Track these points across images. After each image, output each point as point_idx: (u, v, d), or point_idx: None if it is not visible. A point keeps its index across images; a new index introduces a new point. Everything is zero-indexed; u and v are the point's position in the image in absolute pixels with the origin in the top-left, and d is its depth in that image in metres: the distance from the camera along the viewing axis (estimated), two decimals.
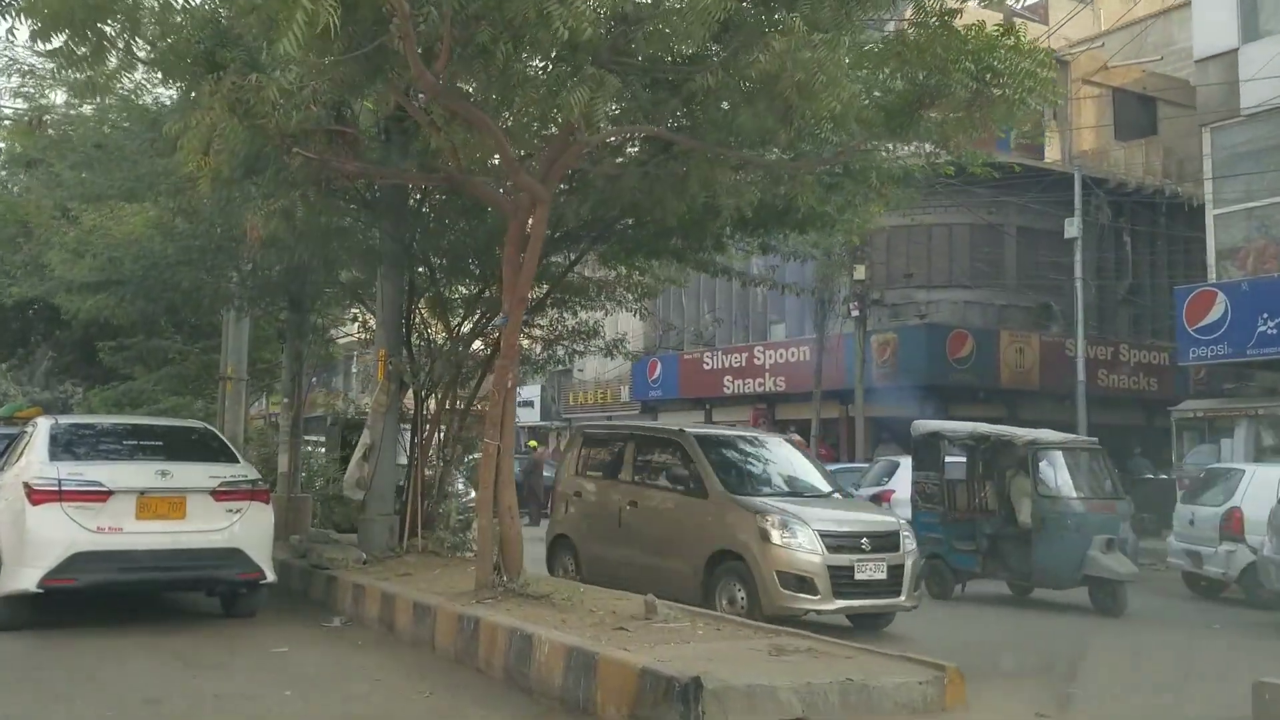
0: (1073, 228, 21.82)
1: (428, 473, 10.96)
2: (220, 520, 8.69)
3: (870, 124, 6.80)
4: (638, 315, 12.39)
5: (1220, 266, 19.89)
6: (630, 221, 9.47)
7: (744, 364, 30.08)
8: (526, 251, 7.45)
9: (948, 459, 13.78)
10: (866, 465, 19.67)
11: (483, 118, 6.70)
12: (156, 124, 9.48)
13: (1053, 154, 28.96)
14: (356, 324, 13.95)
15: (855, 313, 23.82)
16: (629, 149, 8.24)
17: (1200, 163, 30.20)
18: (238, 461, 9.39)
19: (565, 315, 11.93)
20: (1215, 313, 19.16)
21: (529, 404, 37.86)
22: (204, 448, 9.50)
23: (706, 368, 31.17)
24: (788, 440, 12.76)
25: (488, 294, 11.01)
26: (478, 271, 10.65)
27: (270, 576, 8.94)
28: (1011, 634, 10.92)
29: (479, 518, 7.94)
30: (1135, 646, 10.13)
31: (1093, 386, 27.54)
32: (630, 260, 10.62)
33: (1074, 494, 12.40)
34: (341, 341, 17.20)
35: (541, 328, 11.90)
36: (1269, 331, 18.24)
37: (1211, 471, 14.82)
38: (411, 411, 11.23)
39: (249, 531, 8.81)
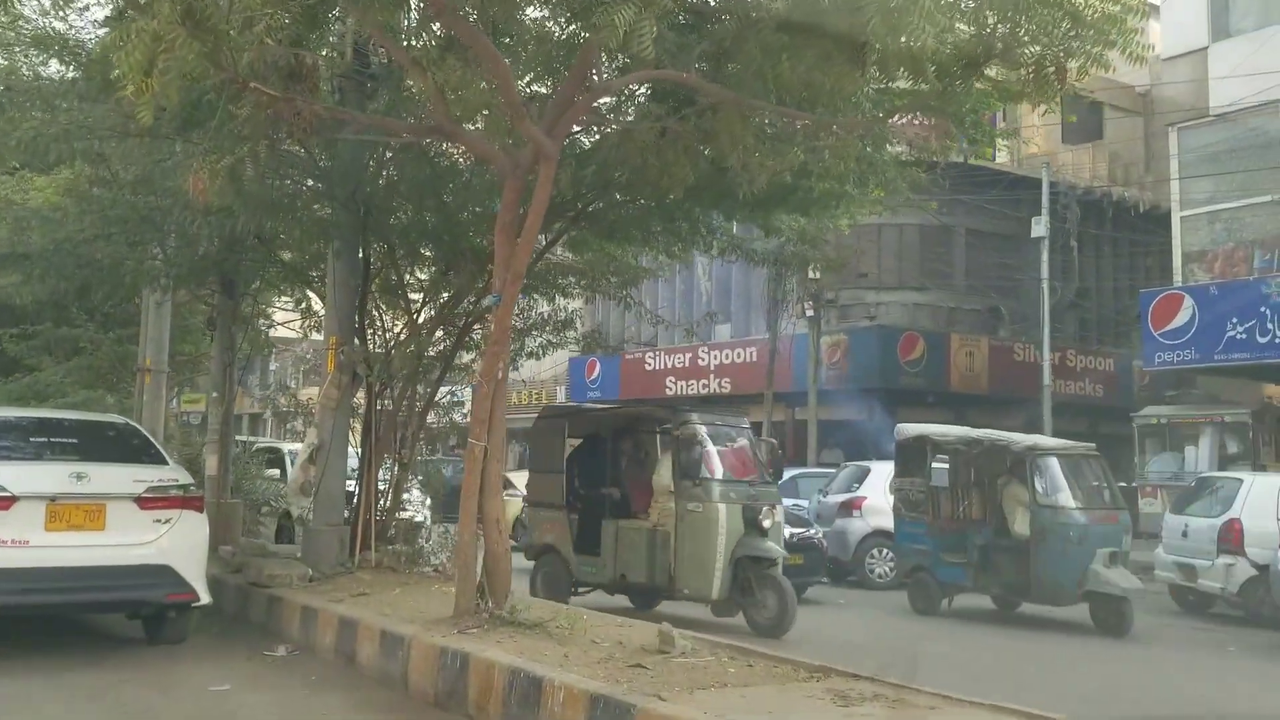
0: (1039, 227, 21.29)
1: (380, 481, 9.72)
2: (146, 532, 7.38)
3: (947, 69, 5.79)
4: (621, 304, 11.26)
5: (1187, 270, 19.49)
6: (620, 196, 8.33)
7: (688, 365, 29.17)
8: (527, 218, 6.30)
9: (934, 465, 12.94)
10: (827, 471, 18.82)
11: (489, 46, 5.58)
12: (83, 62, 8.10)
13: (1001, 157, 28.62)
14: (298, 307, 12.52)
15: (810, 312, 22.99)
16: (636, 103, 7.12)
17: (1145, 166, 30.35)
18: (166, 463, 8.05)
19: (537, 302, 10.74)
20: (1182, 317, 18.75)
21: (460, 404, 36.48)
22: (127, 447, 8.15)
23: (648, 368, 30.14)
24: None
25: (451, 275, 9.81)
26: (442, 247, 9.40)
27: (205, 598, 7.64)
28: (1026, 659, 10.04)
29: (460, 532, 6.76)
30: (1167, 678, 9.34)
31: (1039, 391, 27.28)
32: (612, 243, 9.46)
33: (1075, 504, 11.63)
34: (274, 334, 15.64)
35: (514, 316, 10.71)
36: (1238, 336, 17.86)
37: (1203, 480, 14.23)
38: (364, 408, 9.95)
39: (180, 545, 7.51)
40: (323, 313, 10.52)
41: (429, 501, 12.52)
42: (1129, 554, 11.73)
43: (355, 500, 9.65)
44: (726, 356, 28.16)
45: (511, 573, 6.99)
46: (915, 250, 27.36)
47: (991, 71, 6.54)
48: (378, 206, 9.04)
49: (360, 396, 9.93)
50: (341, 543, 9.37)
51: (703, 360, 28.68)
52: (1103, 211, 28.61)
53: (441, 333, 10.13)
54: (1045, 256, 22.02)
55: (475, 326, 10.02)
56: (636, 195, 7.97)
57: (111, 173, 9.85)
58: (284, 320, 13.68)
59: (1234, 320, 17.89)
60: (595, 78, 5.89)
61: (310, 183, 9.08)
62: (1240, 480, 13.03)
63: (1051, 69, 6.06)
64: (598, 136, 6.95)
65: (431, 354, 9.88)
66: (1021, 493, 12.08)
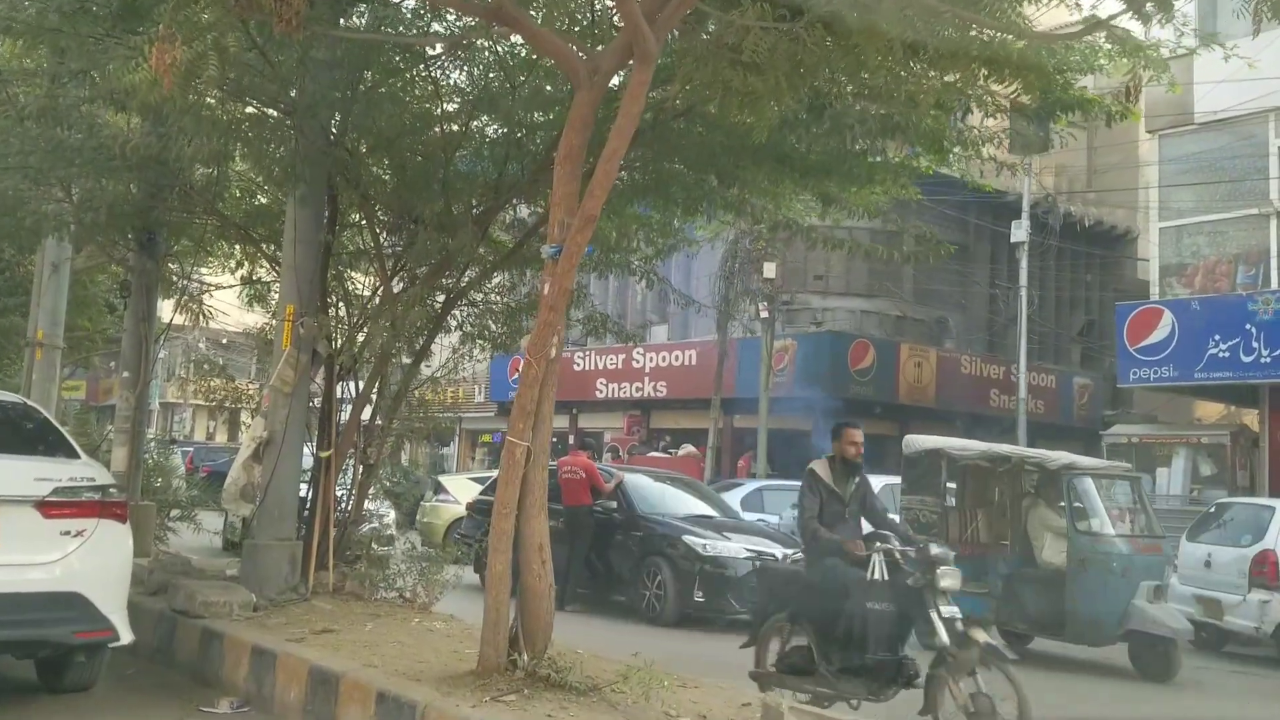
0: (1019, 232, 20.32)
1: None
2: (50, 548, 5.52)
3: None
4: (644, 282, 9.64)
5: (1165, 283, 18.72)
6: (699, 131, 6.69)
7: (620, 366, 27.59)
8: (611, 140, 4.66)
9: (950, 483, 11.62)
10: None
11: None
12: None
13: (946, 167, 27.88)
14: (237, 270, 10.47)
15: (764, 314, 21.67)
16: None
17: (1088, 178, 29.94)
18: (78, 457, 6.14)
19: (530, 278, 8.99)
20: (1160, 332, 17.89)
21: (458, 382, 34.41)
22: (24, 434, 6.22)
23: (578, 369, 28.39)
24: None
25: (422, 231, 8.01)
26: (424, 198, 7.63)
27: (126, 636, 5.78)
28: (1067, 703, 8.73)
29: (491, 560, 5.06)
30: None
31: (984, 406, 26.58)
32: (656, 201, 7.79)
33: (1117, 531, 10.41)
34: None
35: (500, 293, 8.99)
36: (1220, 354, 17.06)
37: (1223, 505, 13.22)
38: (323, 395, 8.10)
39: (95, 566, 5.67)
40: (273, 283, 8.65)
41: (393, 516, 10.64)
42: (1169, 588, 10.58)
43: (309, 509, 7.81)
44: (664, 359, 26.74)
45: (554, 618, 5.29)
46: (863, 257, 26.34)
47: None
48: (352, 143, 7.28)
49: (320, 381, 8.07)
50: (293, 561, 7.52)
51: (637, 362, 27.17)
52: (1047, 225, 28.03)
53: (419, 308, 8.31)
54: (1024, 263, 21.11)
55: (462, 301, 8.30)
56: (715, 133, 6.38)
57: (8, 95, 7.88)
58: (219, 285, 11.60)
59: (1217, 337, 17.08)
60: None
61: (272, 114, 7.24)
62: (1272, 508, 12.00)
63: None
64: (679, 42, 5.34)
65: (419, 325, 8.01)
66: (1052, 517, 10.82)
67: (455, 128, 7.81)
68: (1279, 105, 16.59)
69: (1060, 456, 11.03)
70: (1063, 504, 10.55)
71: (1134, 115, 7.28)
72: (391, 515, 10.53)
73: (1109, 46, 6.16)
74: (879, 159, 7.70)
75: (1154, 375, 18.08)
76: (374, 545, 8.01)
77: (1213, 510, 13.19)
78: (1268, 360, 16.46)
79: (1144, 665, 10.08)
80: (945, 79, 5.69)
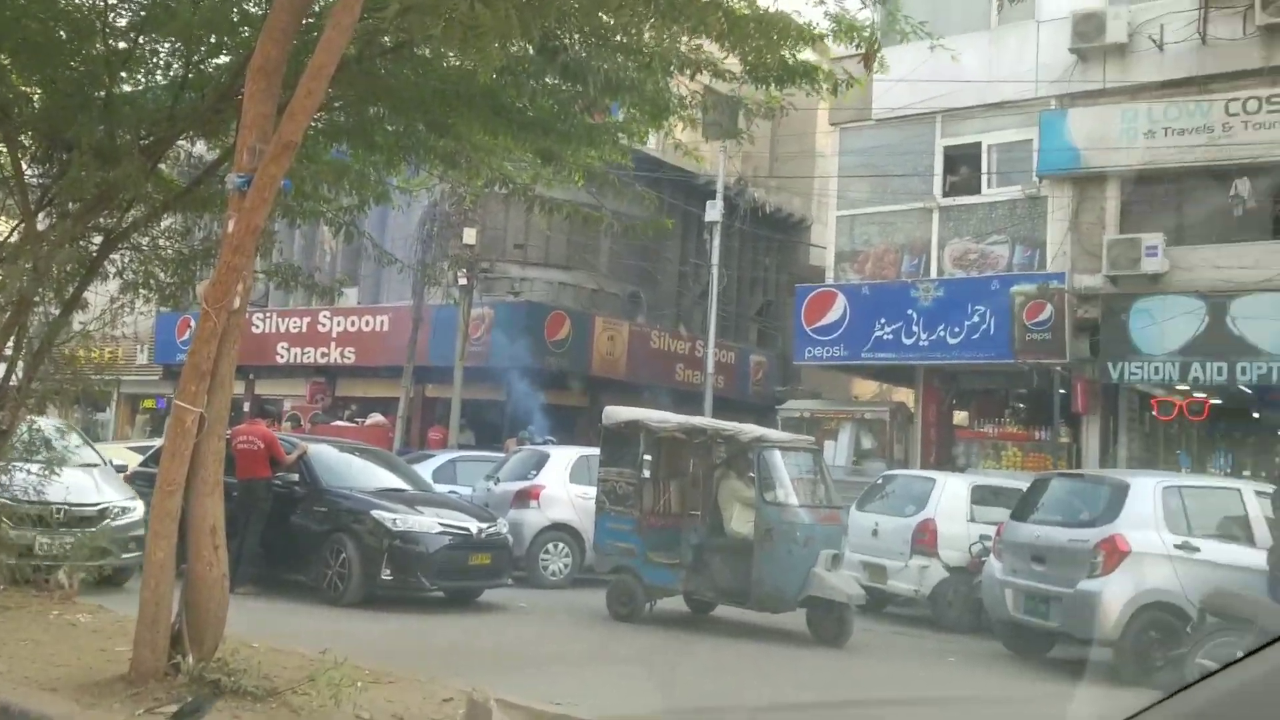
0: (713, 212, 20.83)
1: None
2: None
3: None
4: (342, 235, 8.77)
5: (839, 268, 19.89)
6: (412, 73, 6.06)
7: (305, 330, 26.12)
8: (316, 56, 4.03)
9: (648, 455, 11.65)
10: (494, 455, 17.09)
11: None
12: None
13: (650, 143, 28.40)
14: None
15: (463, 281, 21.09)
16: None
17: (770, 166, 31.48)
18: None
19: (208, 223, 7.94)
20: (834, 314, 19.06)
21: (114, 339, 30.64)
22: None
23: (257, 331, 26.50)
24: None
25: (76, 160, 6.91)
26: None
27: None
28: (741, 670, 8.98)
29: (151, 545, 4.31)
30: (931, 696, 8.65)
31: (671, 380, 27.37)
32: (357, 145, 7.02)
33: (800, 501, 10.80)
34: None
35: (171, 238, 7.86)
36: (885, 337, 18.38)
37: (889, 477, 14.14)
38: None
39: None
40: None
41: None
42: (845, 556, 11.14)
43: None
44: (353, 324, 25.57)
45: (228, 608, 4.60)
46: (562, 228, 26.31)
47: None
48: None
49: None
50: None
51: (323, 326, 25.85)
52: (735, 209, 29.22)
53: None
54: (717, 243, 21.70)
55: (123, 245, 7.22)
56: (427, 77, 5.79)
57: None
58: None
59: (882, 320, 18.38)
60: None
61: None
62: (932, 480, 12.98)
63: None
64: None
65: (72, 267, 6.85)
66: (741, 488, 11.13)
67: (123, 45, 6.76)
68: (947, 108, 17.93)
69: (752, 429, 11.34)
70: (752, 475, 10.85)
71: (859, 84, 7.42)
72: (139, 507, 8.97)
73: (829, 23, 6.18)
74: (605, 119, 7.44)
75: (827, 354, 19.25)
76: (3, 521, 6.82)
77: (879, 482, 14.11)
78: (925, 344, 17.90)
79: (820, 630, 10.54)
80: (685, 40, 5.47)
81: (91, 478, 9.59)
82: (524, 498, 13.93)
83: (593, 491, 12.23)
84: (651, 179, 24.64)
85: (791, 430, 20.62)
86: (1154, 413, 16.76)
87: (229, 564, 5.09)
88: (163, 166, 7.49)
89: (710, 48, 6.38)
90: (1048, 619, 9.77)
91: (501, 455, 16.41)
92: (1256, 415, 17.45)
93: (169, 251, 7.71)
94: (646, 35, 5.27)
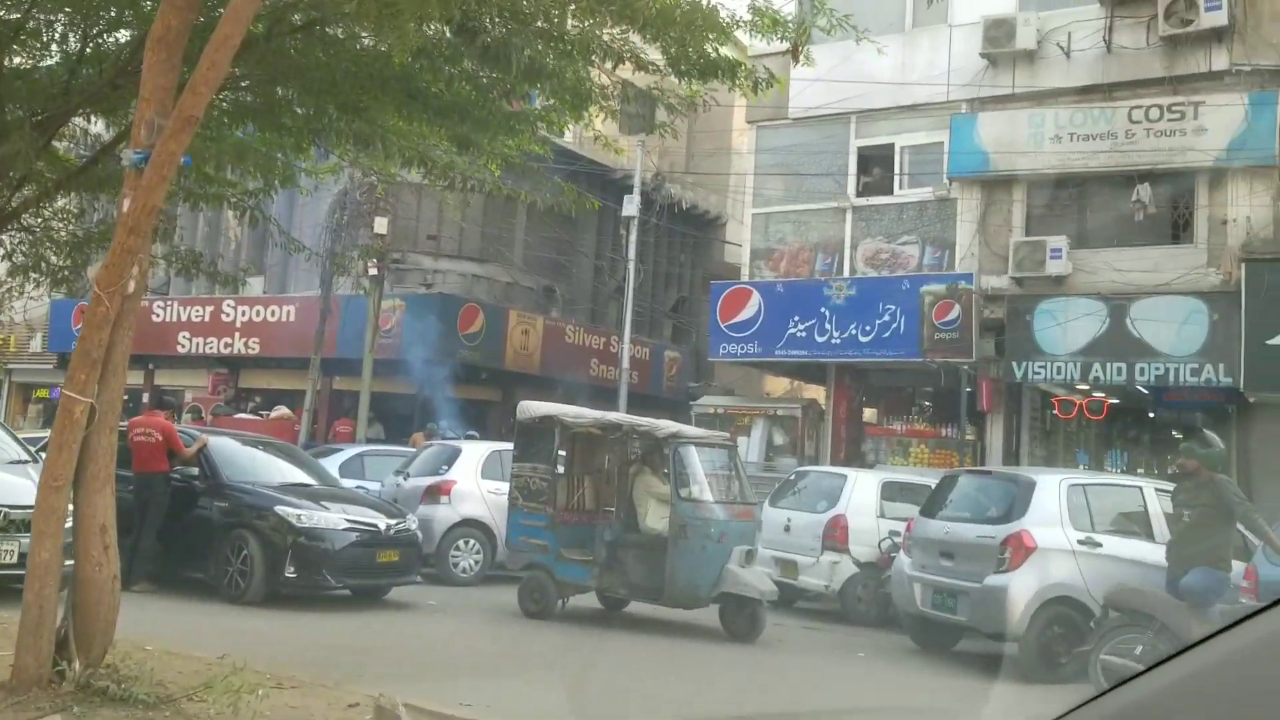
0: (630, 206, 20.73)
1: None
2: None
3: None
4: (246, 221, 8.42)
5: (754, 266, 19.97)
6: (322, 54, 5.82)
7: (207, 319, 25.36)
8: (222, 25, 3.82)
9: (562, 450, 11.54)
10: (403, 450, 16.76)
11: None
12: None
13: (566, 136, 28.23)
14: None
15: (374, 271, 20.68)
16: None
17: (686, 163, 31.56)
18: None
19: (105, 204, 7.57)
20: (748, 311, 19.13)
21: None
22: None
23: (157, 320, 25.70)
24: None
25: None
26: None
27: None
28: (653, 666, 8.95)
29: (35, 545, 4.06)
30: (835, 692, 8.70)
31: (586, 375, 27.25)
32: (264, 126, 6.74)
33: (715, 498, 10.79)
34: None
35: (64, 219, 7.47)
36: (799, 334, 18.52)
37: (802, 473, 14.23)
38: None
39: None
40: None
41: None
42: (758, 552, 11.16)
43: None
44: (257, 314, 24.92)
45: (119, 610, 4.37)
46: (477, 220, 25.99)
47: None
48: None
49: None
50: None
51: (227, 316, 25.14)
52: (651, 204, 29.20)
53: None
54: (634, 238, 21.62)
55: (12, 226, 6.84)
56: (338, 58, 5.56)
57: None
58: None
59: (796, 318, 18.51)
60: None
61: None
62: (844, 476, 13.10)
63: None
64: None
65: None
66: (656, 484, 11.08)
67: (14, 17, 6.41)
68: (861, 109, 18.12)
69: (667, 425, 11.29)
70: (667, 471, 10.80)
71: (779, 83, 7.38)
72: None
73: (752, 16, 6.12)
74: (524, 107, 7.29)
75: (741, 351, 19.31)
76: None
77: (792, 478, 14.20)
78: (837, 341, 18.08)
79: (732, 626, 10.55)
80: (608, 27, 5.35)
81: (27, 475, 8.56)
82: (435, 493, 13.69)
83: (505, 487, 12.08)
84: (569, 172, 24.51)
85: (705, 426, 20.67)
86: (1055, 411, 17.16)
87: (124, 561, 4.84)
88: (57, 144, 7.12)
89: (633, 39, 6.28)
90: (955, 613, 9.92)
91: (410, 450, 16.10)
92: (1152, 415, 17.99)
93: (62, 234, 7.34)
94: (570, 21, 5.15)
